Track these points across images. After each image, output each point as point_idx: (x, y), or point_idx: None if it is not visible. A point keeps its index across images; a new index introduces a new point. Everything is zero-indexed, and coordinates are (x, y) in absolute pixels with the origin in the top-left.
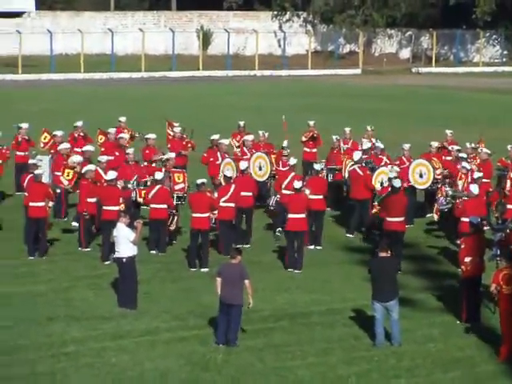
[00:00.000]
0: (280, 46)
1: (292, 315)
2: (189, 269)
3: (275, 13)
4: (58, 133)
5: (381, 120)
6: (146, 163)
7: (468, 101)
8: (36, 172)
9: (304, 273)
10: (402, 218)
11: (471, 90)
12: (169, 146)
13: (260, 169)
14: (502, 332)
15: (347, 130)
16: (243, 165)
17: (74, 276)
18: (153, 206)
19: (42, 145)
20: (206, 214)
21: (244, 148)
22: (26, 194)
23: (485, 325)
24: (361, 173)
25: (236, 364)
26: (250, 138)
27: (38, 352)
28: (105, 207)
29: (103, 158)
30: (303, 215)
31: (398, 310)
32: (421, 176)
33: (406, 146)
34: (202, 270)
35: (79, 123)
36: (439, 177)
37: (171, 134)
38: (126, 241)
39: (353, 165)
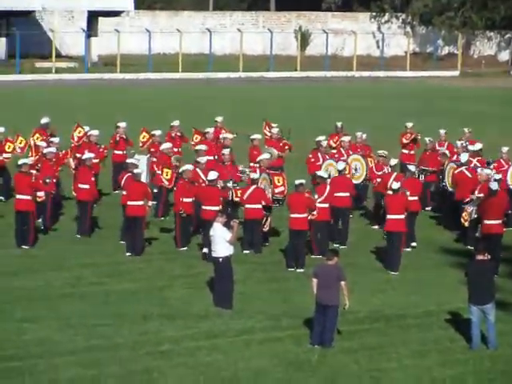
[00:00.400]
0: (378, 47)
1: (387, 317)
2: (286, 269)
3: (374, 14)
4: (157, 132)
5: (479, 122)
6: (252, 164)
7: None
8: (135, 171)
9: (400, 275)
10: (500, 221)
11: None
12: (266, 147)
13: (356, 170)
14: None
15: (442, 131)
16: (340, 165)
17: (169, 275)
18: (248, 206)
19: (140, 144)
20: (304, 215)
21: (341, 149)
22: (123, 192)
23: None
24: (469, 175)
25: (331, 365)
26: (347, 139)
27: (134, 350)
28: (205, 207)
29: (203, 159)
30: (402, 216)
31: (494, 314)
32: None
33: (504, 149)
34: (299, 270)
35: (176, 123)
36: None
37: (268, 134)
38: (222, 240)
39: (459, 167)
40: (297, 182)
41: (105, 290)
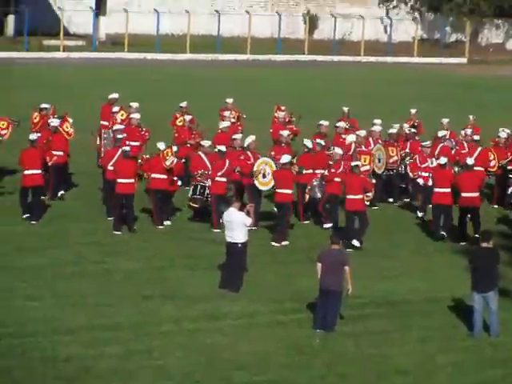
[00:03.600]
0: (386, 32)
1: (391, 303)
2: (292, 253)
3: None
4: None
5: (485, 110)
6: None
7: None
8: (125, 148)
9: (404, 261)
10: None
11: None
12: (271, 130)
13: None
14: None
15: (445, 120)
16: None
17: (170, 255)
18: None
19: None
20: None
21: (369, 138)
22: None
23: None
24: None
25: (332, 349)
26: (362, 133)
27: (134, 330)
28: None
29: (207, 143)
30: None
31: (496, 301)
32: None
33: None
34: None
35: (184, 104)
36: None
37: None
38: (241, 226)
39: None
40: (353, 163)
41: (106, 269)
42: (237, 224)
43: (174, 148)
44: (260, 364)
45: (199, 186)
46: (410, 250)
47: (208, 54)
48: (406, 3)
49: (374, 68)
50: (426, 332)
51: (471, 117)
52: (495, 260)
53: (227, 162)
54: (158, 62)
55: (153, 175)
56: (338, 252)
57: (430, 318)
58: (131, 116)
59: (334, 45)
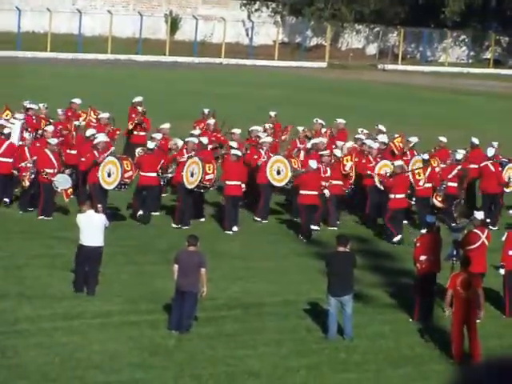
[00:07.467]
0: (248, 35)
1: (245, 305)
2: (146, 253)
3: (244, 1)
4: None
5: (341, 114)
6: None
7: (429, 100)
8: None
9: (260, 263)
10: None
11: (434, 90)
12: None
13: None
14: (453, 334)
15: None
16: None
17: (28, 254)
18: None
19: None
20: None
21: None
22: None
23: (436, 324)
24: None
25: (186, 350)
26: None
27: None
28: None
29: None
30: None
31: (351, 305)
32: None
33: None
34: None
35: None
36: None
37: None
38: (102, 229)
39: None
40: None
41: None
42: (98, 227)
43: None
44: (113, 364)
45: None
46: (265, 252)
47: (69, 53)
48: (267, 6)
49: (235, 70)
50: (280, 335)
51: (272, 113)
52: (351, 264)
53: (6, 143)
54: (18, 59)
55: None
56: (195, 253)
57: (284, 320)
58: None
59: (194, 46)
